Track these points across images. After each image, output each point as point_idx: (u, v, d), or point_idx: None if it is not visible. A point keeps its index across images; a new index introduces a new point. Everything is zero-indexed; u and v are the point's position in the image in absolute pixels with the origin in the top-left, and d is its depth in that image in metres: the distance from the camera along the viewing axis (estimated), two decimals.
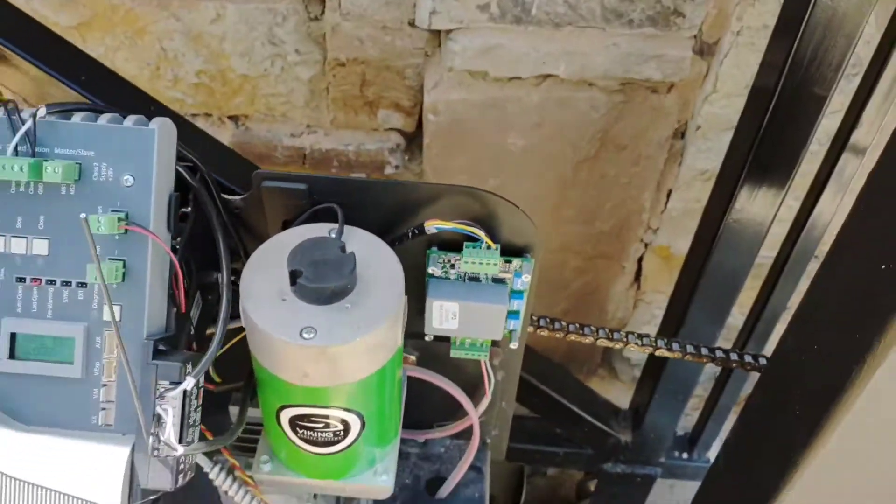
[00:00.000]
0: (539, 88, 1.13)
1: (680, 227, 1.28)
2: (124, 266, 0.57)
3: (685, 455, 1.41)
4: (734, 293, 1.10)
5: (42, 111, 0.56)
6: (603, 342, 0.84)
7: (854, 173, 0.98)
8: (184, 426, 0.58)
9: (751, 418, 0.81)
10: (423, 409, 0.89)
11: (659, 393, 1.25)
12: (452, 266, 0.72)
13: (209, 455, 0.72)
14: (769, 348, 1.15)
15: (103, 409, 0.58)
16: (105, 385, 0.58)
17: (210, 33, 1.15)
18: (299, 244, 0.62)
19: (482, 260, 0.69)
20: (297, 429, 0.67)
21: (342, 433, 0.68)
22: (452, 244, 0.71)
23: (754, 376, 1.16)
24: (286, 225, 0.70)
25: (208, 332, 0.71)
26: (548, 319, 0.85)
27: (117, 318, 0.58)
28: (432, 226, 0.68)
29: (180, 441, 0.57)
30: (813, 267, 1.19)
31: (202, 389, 0.60)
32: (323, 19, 1.13)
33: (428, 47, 1.14)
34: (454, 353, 0.79)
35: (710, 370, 1.38)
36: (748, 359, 0.85)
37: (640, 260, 1.35)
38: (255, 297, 0.61)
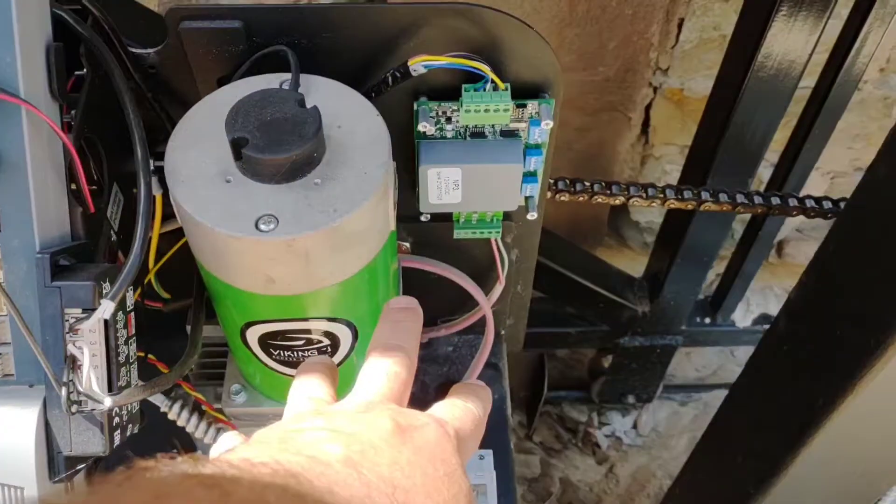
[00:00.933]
0: None
1: (694, 62, 1.10)
2: None
3: (708, 320, 1.29)
4: (769, 135, 0.94)
5: None
6: (637, 201, 0.68)
7: None
8: (112, 367, 0.42)
9: (827, 270, 0.66)
10: (424, 305, 0.73)
11: (681, 258, 1.11)
12: (449, 120, 0.55)
13: (167, 391, 0.57)
14: None
15: None
16: None
17: None
18: (241, 101, 0.45)
19: (488, 106, 0.52)
20: (271, 349, 0.52)
21: (329, 348, 0.52)
22: (446, 91, 0.54)
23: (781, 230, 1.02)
24: (221, 83, 0.52)
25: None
26: (567, 181, 0.69)
27: None
28: (418, 63, 0.50)
29: (110, 389, 0.42)
30: (855, 98, 1.03)
31: (132, 313, 0.44)
32: None
33: None
34: (458, 234, 0.63)
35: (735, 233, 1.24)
36: (810, 203, 0.70)
37: (647, 109, 1.18)
38: (187, 181, 0.44)
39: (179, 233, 0.53)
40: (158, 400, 0.56)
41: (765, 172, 1.13)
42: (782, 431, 0.74)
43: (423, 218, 0.62)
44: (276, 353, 0.52)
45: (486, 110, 0.52)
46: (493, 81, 0.52)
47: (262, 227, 0.42)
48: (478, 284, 0.68)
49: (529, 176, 0.59)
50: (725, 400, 0.91)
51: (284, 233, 0.42)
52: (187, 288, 0.58)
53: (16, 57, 0.39)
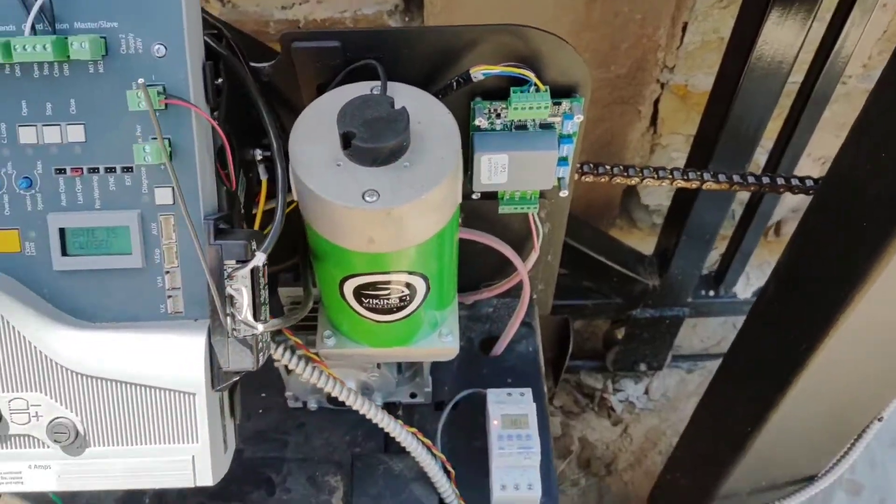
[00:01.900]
0: None
1: (697, 61, 1.23)
2: (170, 144, 0.53)
3: (712, 293, 1.43)
4: (762, 124, 1.07)
5: None
6: (650, 182, 0.82)
7: None
8: (256, 304, 0.56)
9: (807, 239, 0.80)
10: (469, 271, 0.87)
11: (686, 236, 1.25)
12: (498, 115, 0.69)
13: (272, 336, 0.70)
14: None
15: (170, 296, 0.56)
16: (168, 272, 0.55)
17: None
18: (347, 105, 0.58)
19: (532, 104, 0.66)
20: (363, 298, 0.66)
21: (408, 298, 0.66)
22: (496, 93, 0.68)
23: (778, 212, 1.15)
24: (321, 89, 0.66)
25: (253, 211, 0.68)
26: (591, 165, 0.83)
27: (170, 201, 0.54)
28: (479, 72, 0.64)
29: (256, 319, 0.55)
30: (841, 91, 1.16)
31: (265, 266, 0.58)
32: None
33: None
34: (503, 210, 0.77)
35: (731, 211, 1.37)
36: (795, 181, 0.83)
37: (656, 102, 1.31)
38: (308, 165, 0.58)
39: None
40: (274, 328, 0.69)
41: (761, 158, 1.26)
42: (772, 376, 0.87)
43: (474, 196, 0.75)
44: (366, 301, 0.66)
45: (530, 108, 0.66)
46: (535, 85, 0.65)
47: (368, 199, 0.56)
48: (517, 252, 0.82)
49: (562, 160, 0.72)
50: (725, 357, 1.05)
51: (384, 204, 0.56)
52: (275, 257, 0.71)
53: (187, 75, 0.53)
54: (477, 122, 0.68)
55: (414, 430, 0.77)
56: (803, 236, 0.82)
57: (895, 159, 0.66)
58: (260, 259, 0.54)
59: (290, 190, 0.60)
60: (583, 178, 0.83)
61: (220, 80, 0.59)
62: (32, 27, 0.51)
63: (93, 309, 0.56)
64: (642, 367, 1.55)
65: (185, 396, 0.55)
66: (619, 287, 1.36)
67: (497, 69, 0.64)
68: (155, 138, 0.53)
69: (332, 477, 0.81)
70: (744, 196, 1.29)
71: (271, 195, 0.66)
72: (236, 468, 0.82)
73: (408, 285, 0.65)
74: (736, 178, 0.83)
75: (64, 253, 0.55)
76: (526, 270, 0.83)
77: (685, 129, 1.36)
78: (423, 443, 0.77)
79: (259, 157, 0.64)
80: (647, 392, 1.59)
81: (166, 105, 0.52)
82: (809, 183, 0.82)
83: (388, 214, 0.57)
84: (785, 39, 0.97)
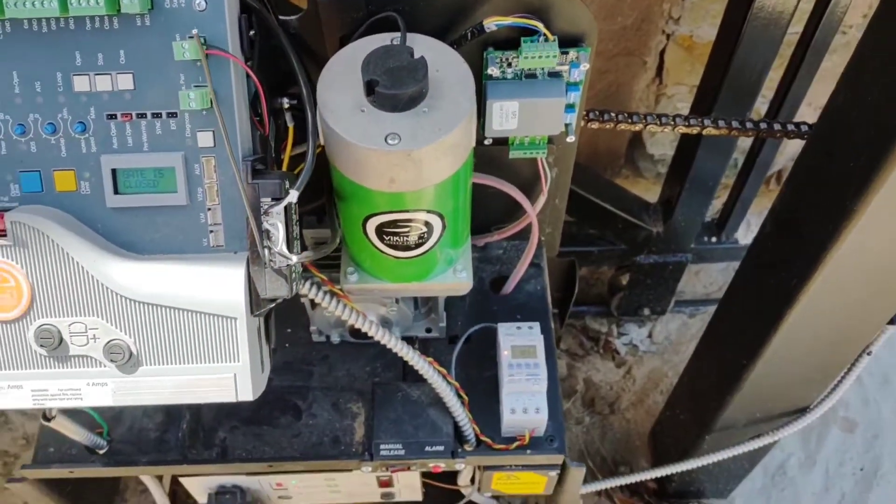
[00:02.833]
0: None
1: (702, 12, 1.27)
2: (212, 91, 0.58)
3: (714, 239, 1.48)
4: (763, 73, 1.11)
5: None
6: (653, 127, 0.87)
7: None
8: (289, 238, 0.61)
9: (800, 179, 0.85)
10: (481, 214, 0.92)
11: (689, 183, 1.29)
12: (510, 64, 0.73)
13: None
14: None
15: (212, 231, 0.61)
16: (210, 209, 0.61)
17: None
18: (370, 54, 0.63)
19: (541, 54, 0.70)
20: (384, 236, 0.71)
21: (426, 235, 0.72)
22: (507, 43, 0.72)
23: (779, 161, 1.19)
24: (343, 41, 0.71)
25: (282, 156, 0.73)
26: (597, 112, 0.87)
27: (211, 144, 0.60)
28: (492, 23, 0.69)
29: (290, 250, 0.61)
30: (841, 41, 1.19)
31: (297, 205, 0.63)
32: None
33: None
34: (513, 154, 0.82)
35: (733, 160, 1.41)
36: (791, 127, 0.88)
37: (661, 53, 1.35)
38: (335, 111, 0.63)
39: (303, 157, 0.72)
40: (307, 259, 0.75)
41: (762, 108, 1.30)
42: (766, 311, 0.93)
43: (486, 142, 0.80)
44: (387, 238, 0.71)
45: (539, 57, 0.71)
46: (544, 35, 0.70)
47: (390, 141, 0.61)
48: (526, 195, 0.87)
49: (569, 107, 0.77)
50: (723, 297, 1.11)
51: (406, 146, 0.61)
52: (305, 199, 0.76)
53: (226, 27, 0.58)
54: (489, 72, 0.73)
55: (430, 359, 0.83)
56: (796, 177, 0.87)
57: (881, 101, 0.70)
58: (293, 196, 0.59)
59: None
60: (589, 124, 0.87)
61: (252, 32, 0.64)
62: None
63: (142, 242, 0.61)
64: (646, 311, 1.61)
65: (228, 321, 0.61)
66: (623, 234, 1.41)
67: (508, 20, 0.69)
68: (198, 86, 0.58)
69: (354, 403, 0.88)
70: (745, 145, 1.33)
71: (297, 141, 0.71)
72: (266, 395, 0.88)
73: (426, 223, 0.70)
74: (735, 123, 0.87)
75: (116, 191, 0.60)
76: (535, 213, 0.88)
77: (690, 79, 1.39)
78: (438, 371, 0.83)
79: (286, 105, 0.69)
80: (650, 335, 1.65)
81: (207, 55, 0.57)
82: (804, 128, 0.86)
83: (408, 156, 0.62)
84: None
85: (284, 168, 0.73)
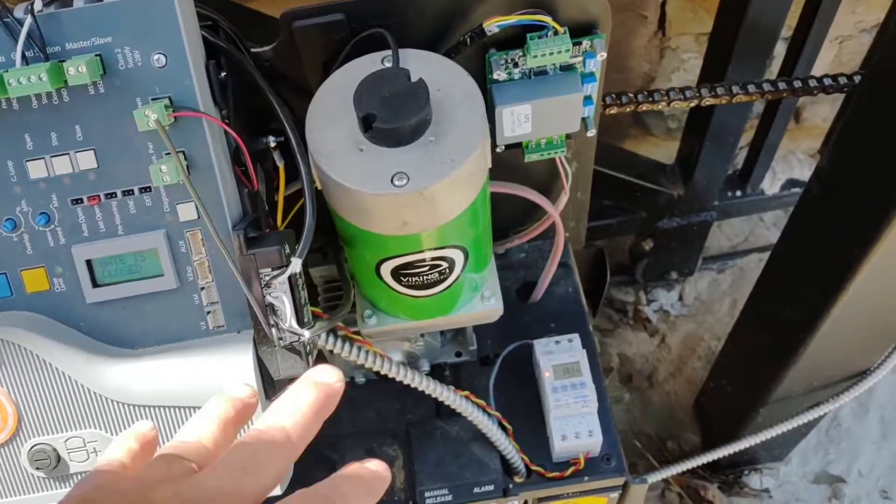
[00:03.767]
0: None
1: None
2: (185, 158, 0.50)
3: (738, 193, 1.40)
4: (783, 13, 1.02)
5: (38, 4, 0.47)
6: (678, 104, 0.78)
7: None
8: (298, 308, 0.54)
9: (848, 136, 0.77)
10: (497, 220, 0.84)
11: (709, 140, 1.21)
12: (516, 64, 0.65)
13: None
14: (817, 71, 1.08)
15: (209, 312, 0.54)
16: (204, 288, 0.53)
17: None
18: (361, 84, 0.55)
19: (551, 49, 0.62)
20: (402, 278, 0.63)
21: (448, 270, 0.64)
22: (510, 42, 0.64)
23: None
24: (327, 66, 0.62)
25: (275, 198, 0.65)
26: (613, 96, 0.79)
27: (195, 217, 0.52)
28: (493, 24, 0.60)
29: (300, 324, 0.53)
30: None
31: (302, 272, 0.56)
32: None
33: None
34: (529, 158, 0.73)
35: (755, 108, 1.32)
36: (829, 82, 0.79)
37: (663, 5, 1.25)
38: (329, 155, 0.55)
39: (297, 195, 0.64)
40: (321, 333, 0.68)
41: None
42: (823, 281, 0.86)
43: (498, 149, 0.72)
44: (405, 280, 0.63)
45: (550, 53, 0.62)
46: (553, 28, 0.61)
47: (397, 182, 0.53)
48: (545, 195, 0.79)
49: (587, 99, 0.69)
50: (768, 261, 1.03)
51: (415, 185, 0.53)
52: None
53: (192, 81, 0.50)
54: (495, 76, 0.64)
55: (466, 392, 0.76)
56: (845, 135, 0.79)
57: None
58: (296, 265, 0.52)
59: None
60: (607, 110, 0.79)
61: (223, 75, 0.56)
62: (23, 56, 0.47)
63: (132, 336, 0.54)
64: (673, 274, 1.54)
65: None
66: (642, 201, 1.33)
67: (512, 19, 0.60)
68: (169, 154, 0.50)
69: (388, 447, 0.81)
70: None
71: (290, 179, 0.63)
72: None
73: (445, 258, 0.63)
74: (767, 86, 0.79)
75: (95, 284, 0.53)
76: (557, 213, 0.80)
77: (694, 27, 1.30)
78: (476, 404, 0.76)
79: (273, 144, 0.61)
80: (680, 298, 1.58)
81: (175, 118, 0.49)
82: (843, 81, 0.78)
83: (420, 195, 0.54)
84: None
85: (280, 212, 0.65)
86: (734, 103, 0.79)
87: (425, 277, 0.64)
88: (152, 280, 0.53)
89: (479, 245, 0.67)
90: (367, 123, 0.54)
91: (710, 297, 1.58)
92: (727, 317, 1.52)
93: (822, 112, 1.51)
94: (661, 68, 1.37)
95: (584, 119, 0.71)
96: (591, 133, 0.72)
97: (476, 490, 0.77)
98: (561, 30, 0.61)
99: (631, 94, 0.78)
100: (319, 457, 0.81)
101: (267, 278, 0.52)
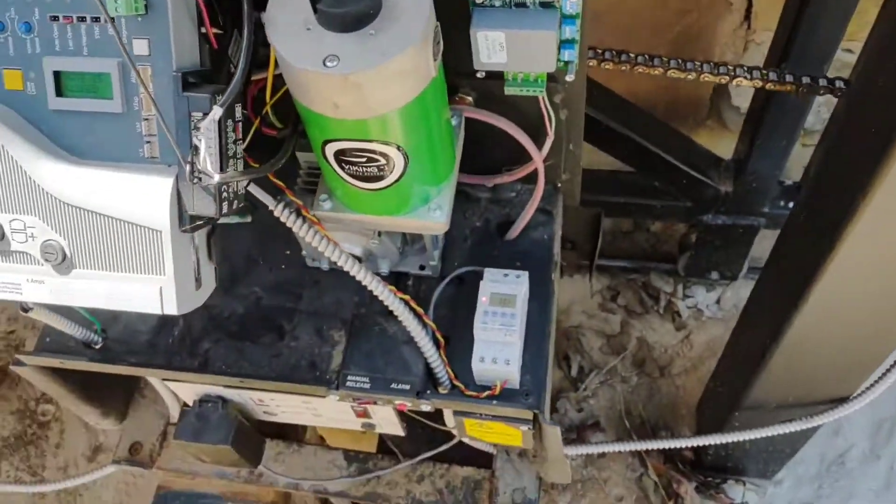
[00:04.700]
0: None
1: None
2: None
3: (791, 204, 1.35)
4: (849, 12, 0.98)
5: None
6: (675, 73, 0.79)
7: None
8: (223, 156, 0.60)
9: (828, 145, 0.75)
10: (491, 154, 0.88)
11: (761, 138, 1.18)
12: None
13: (274, 195, 0.75)
14: None
15: (147, 142, 0.61)
16: (146, 119, 0.61)
17: None
18: None
19: None
20: (343, 164, 0.69)
21: (385, 168, 0.68)
22: None
23: None
24: None
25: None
26: (613, 52, 0.80)
27: (147, 52, 0.59)
28: None
29: (220, 169, 0.60)
30: None
31: (239, 123, 0.62)
32: None
33: None
34: (508, 90, 0.76)
35: (823, 114, 1.28)
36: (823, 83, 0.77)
37: None
38: (280, 30, 0.60)
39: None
40: (269, 201, 0.74)
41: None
42: (787, 295, 0.84)
43: (479, 74, 0.75)
44: (346, 167, 0.69)
45: None
46: None
47: (328, 63, 0.58)
48: (532, 140, 0.82)
49: (567, 43, 0.71)
50: (761, 273, 1.01)
51: (343, 69, 0.58)
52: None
53: None
54: None
55: (406, 297, 0.81)
56: (826, 143, 0.77)
57: None
58: (216, 113, 0.58)
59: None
60: (602, 65, 0.80)
61: None
62: None
63: (82, 147, 0.62)
64: (714, 275, 1.51)
65: (153, 233, 0.61)
66: (688, 190, 1.32)
67: None
68: None
69: (336, 331, 0.87)
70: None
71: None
72: (254, 312, 0.90)
73: (383, 155, 0.67)
74: (805, 80, 0.77)
75: (58, 93, 0.61)
76: (541, 157, 0.83)
77: None
78: (413, 310, 0.81)
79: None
80: (718, 301, 1.55)
81: None
82: (840, 84, 0.76)
83: (345, 79, 0.59)
84: None
85: (269, 92, 0.71)
86: (766, 89, 0.78)
87: (364, 168, 0.69)
88: (104, 101, 0.60)
89: (426, 154, 0.71)
90: (314, 3, 0.59)
91: None
92: None
93: None
94: (744, 61, 1.34)
95: (566, 63, 0.73)
96: (571, 78, 0.75)
97: (393, 386, 0.82)
98: None
99: (631, 54, 0.79)
100: (273, 323, 0.88)
101: (195, 121, 0.59)
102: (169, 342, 0.89)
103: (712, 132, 1.51)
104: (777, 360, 0.93)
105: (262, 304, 0.90)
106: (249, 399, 0.97)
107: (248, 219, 0.73)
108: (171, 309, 0.63)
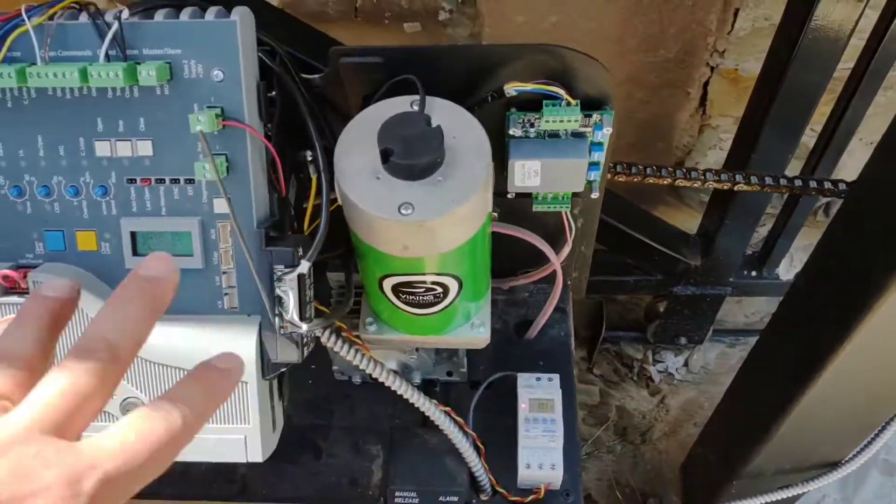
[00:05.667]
0: None
1: (748, 47, 1.24)
2: (227, 160, 0.59)
3: (754, 273, 1.45)
4: (809, 110, 1.08)
5: (125, 13, 0.57)
6: (682, 182, 0.85)
7: None
8: (302, 304, 0.62)
9: (842, 230, 0.82)
10: (508, 258, 0.92)
11: (730, 218, 1.27)
12: (532, 125, 0.73)
13: None
14: (844, 172, 1.14)
15: (226, 293, 0.63)
16: (225, 272, 0.62)
17: None
18: (386, 122, 0.63)
19: (562, 117, 0.70)
20: (400, 294, 0.71)
21: (442, 295, 0.72)
22: (530, 104, 0.72)
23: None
24: (366, 99, 0.71)
25: (304, 205, 0.74)
26: (624, 165, 0.86)
27: (227, 211, 0.61)
28: (512, 88, 0.68)
29: (301, 318, 0.62)
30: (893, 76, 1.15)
31: (311, 272, 0.64)
32: None
33: None
34: (537, 208, 0.81)
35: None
36: (827, 185, 0.85)
37: (705, 85, 1.32)
38: (350, 177, 0.63)
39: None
40: (318, 329, 0.76)
41: (810, 141, 1.26)
42: (800, 366, 0.91)
43: (509, 195, 0.80)
44: (403, 297, 0.72)
45: (561, 121, 0.70)
46: (566, 99, 0.69)
47: (403, 211, 0.61)
48: (550, 245, 0.87)
49: (594, 165, 0.76)
50: (758, 340, 1.08)
51: (419, 216, 0.61)
52: (330, 245, 0.77)
53: (242, 97, 0.59)
54: (511, 132, 0.72)
55: (448, 408, 0.83)
56: (832, 236, 0.84)
57: None
58: (304, 267, 0.60)
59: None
60: (616, 178, 0.86)
61: (273, 93, 0.65)
62: (107, 54, 0.57)
63: None
64: (683, 340, 1.59)
65: (240, 385, 0.62)
66: (660, 265, 1.39)
67: (529, 86, 0.68)
68: (215, 154, 0.59)
69: (373, 445, 0.89)
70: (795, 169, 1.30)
71: (320, 192, 0.72)
72: (287, 433, 0.90)
73: (441, 285, 0.70)
74: (768, 180, 0.85)
75: (135, 253, 0.62)
76: (559, 262, 0.88)
77: (735, 110, 1.36)
78: (455, 420, 0.83)
79: (309, 158, 0.70)
80: (686, 364, 1.62)
81: (224, 126, 0.58)
82: (843, 187, 0.84)
83: (421, 226, 0.62)
84: (839, 19, 0.95)
85: (307, 219, 0.74)
86: (735, 189, 0.86)
87: (421, 298, 0.72)
88: (183, 258, 0.62)
89: (474, 278, 0.74)
90: (385, 156, 0.62)
91: (716, 369, 1.62)
92: None
93: None
94: (700, 143, 1.44)
95: (590, 182, 0.78)
96: (595, 195, 0.80)
97: (441, 498, 0.84)
98: (573, 102, 0.69)
99: (640, 166, 0.85)
100: (307, 443, 0.89)
101: (279, 273, 0.61)
102: (202, 468, 0.88)
103: (670, 206, 1.60)
104: (785, 430, 0.99)
105: (294, 423, 0.91)
106: None
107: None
108: (256, 456, 0.64)
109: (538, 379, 0.86)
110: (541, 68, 0.68)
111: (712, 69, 1.29)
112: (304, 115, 0.65)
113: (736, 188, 0.86)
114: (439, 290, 0.71)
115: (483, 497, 0.86)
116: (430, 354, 0.88)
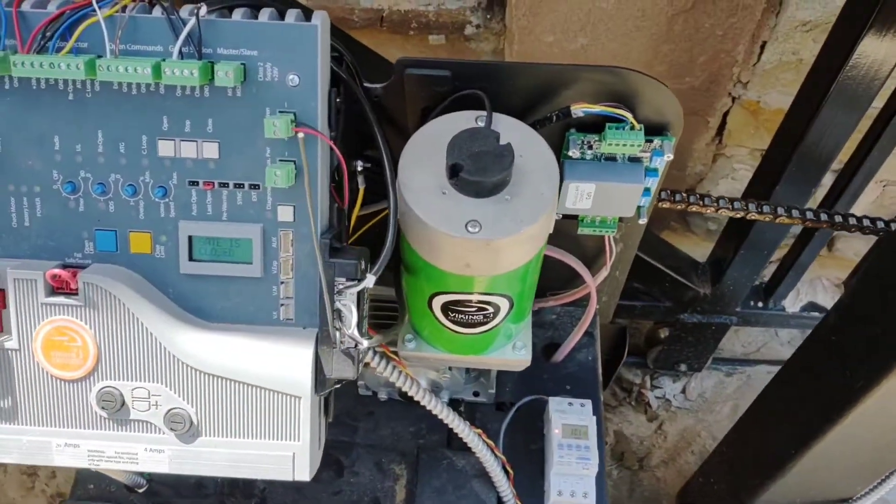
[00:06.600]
0: None
1: (772, 80, 1.24)
2: (295, 167, 0.57)
3: (760, 304, 1.45)
4: (838, 147, 1.08)
5: (203, 9, 0.55)
6: (725, 212, 0.85)
7: None
8: (360, 319, 0.60)
9: (874, 279, 0.82)
10: (538, 280, 0.91)
11: (745, 248, 1.27)
12: (590, 147, 0.72)
13: None
14: (858, 208, 1.15)
15: (283, 304, 0.60)
16: (283, 283, 0.60)
17: None
18: (456, 136, 0.62)
19: (625, 141, 0.69)
20: (449, 313, 0.70)
21: (492, 315, 0.70)
22: (591, 125, 0.71)
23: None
24: (425, 112, 0.69)
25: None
26: (668, 192, 0.86)
27: (291, 219, 0.59)
28: (579, 109, 0.67)
29: (360, 334, 0.60)
30: None
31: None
32: None
33: None
34: (582, 230, 0.80)
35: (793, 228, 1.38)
36: (867, 223, 0.85)
37: (725, 115, 1.33)
38: (415, 191, 0.62)
39: (370, 216, 0.71)
40: (377, 345, 0.74)
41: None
42: (826, 405, 0.90)
43: (556, 217, 0.79)
44: (452, 316, 0.70)
45: (623, 144, 0.69)
46: (631, 123, 0.68)
47: (471, 229, 0.60)
48: (587, 267, 0.86)
49: (646, 191, 0.75)
50: (777, 375, 1.08)
51: (486, 235, 0.60)
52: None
53: (317, 105, 0.57)
54: (570, 153, 0.71)
55: (479, 430, 0.82)
56: (870, 275, 0.84)
57: None
58: (370, 281, 0.58)
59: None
60: (660, 204, 0.86)
61: (338, 100, 0.63)
62: (180, 51, 0.55)
63: (212, 310, 0.60)
64: (682, 367, 1.59)
65: (292, 399, 0.60)
66: (670, 292, 1.39)
67: (597, 108, 0.67)
68: (284, 160, 0.57)
69: (397, 465, 0.87)
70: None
71: (365, 201, 0.70)
72: None
73: (492, 304, 0.69)
74: (809, 214, 0.85)
75: (191, 258, 0.59)
76: (595, 285, 0.87)
77: (752, 142, 1.37)
78: (486, 443, 0.82)
79: (360, 168, 0.68)
80: (683, 391, 1.62)
81: (296, 132, 0.56)
82: (881, 225, 0.84)
83: (487, 245, 0.60)
84: (882, 55, 0.95)
85: (350, 226, 0.72)
86: (776, 223, 0.85)
87: (471, 317, 0.70)
88: (241, 265, 0.59)
89: (523, 299, 0.73)
90: (454, 171, 0.61)
91: (713, 397, 1.62)
92: (727, 420, 1.57)
93: (855, 246, 1.57)
94: (713, 172, 1.44)
95: (638, 207, 0.78)
96: (643, 221, 0.79)
97: None
98: (638, 126, 0.69)
99: (684, 194, 0.85)
100: (330, 458, 0.87)
101: (341, 287, 0.59)
102: (218, 482, 0.85)
103: (675, 233, 1.60)
104: (801, 466, 0.99)
105: None
106: None
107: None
108: (304, 475, 0.62)
109: (570, 404, 0.85)
110: (606, 89, 0.68)
111: (734, 99, 1.29)
112: (371, 124, 0.63)
113: (777, 221, 0.85)
114: (490, 309, 0.69)
115: None
116: (461, 374, 0.87)
